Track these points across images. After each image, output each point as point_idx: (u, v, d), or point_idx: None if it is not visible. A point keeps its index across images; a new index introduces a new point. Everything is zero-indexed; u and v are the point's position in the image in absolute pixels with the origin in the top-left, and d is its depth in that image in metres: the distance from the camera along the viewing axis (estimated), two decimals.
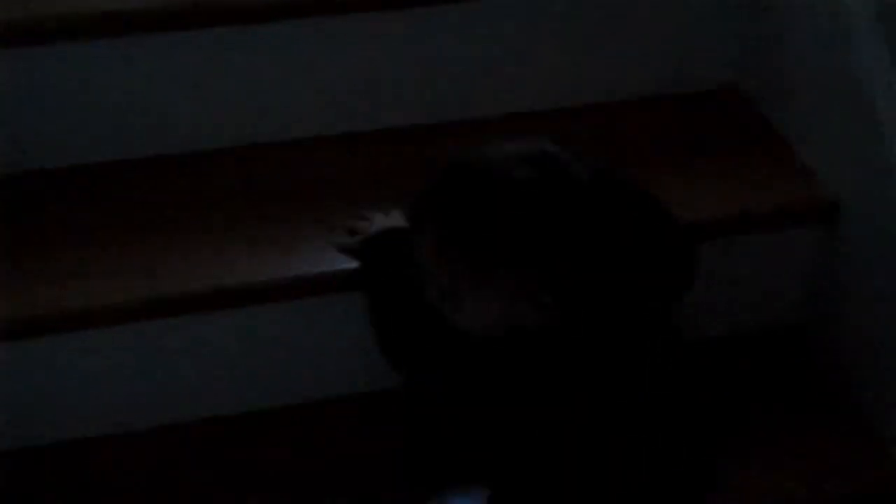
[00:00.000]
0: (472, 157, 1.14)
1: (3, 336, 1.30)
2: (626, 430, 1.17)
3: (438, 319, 1.17)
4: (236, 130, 1.54)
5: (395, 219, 1.37)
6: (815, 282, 1.57)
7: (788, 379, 1.56)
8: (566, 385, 1.13)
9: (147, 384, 1.44)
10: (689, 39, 1.62)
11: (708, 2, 1.60)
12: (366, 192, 1.47)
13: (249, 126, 1.54)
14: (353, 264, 1.35)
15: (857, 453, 1.46)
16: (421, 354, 1.23)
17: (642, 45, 1.61)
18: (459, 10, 1.50)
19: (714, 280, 1.49)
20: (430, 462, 1.42)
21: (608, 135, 1.57)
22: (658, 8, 1.59)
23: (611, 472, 1.18)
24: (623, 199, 1.19)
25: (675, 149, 1.57)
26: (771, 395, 1.54)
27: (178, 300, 1.34)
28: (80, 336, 1.35)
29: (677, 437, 1.23)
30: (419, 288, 1.18)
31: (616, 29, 1.59)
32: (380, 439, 1.45)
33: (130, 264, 1.36)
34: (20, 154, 1.47)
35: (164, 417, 1.47)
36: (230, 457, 1.45)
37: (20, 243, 1.38)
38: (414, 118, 1.58)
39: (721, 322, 1.58)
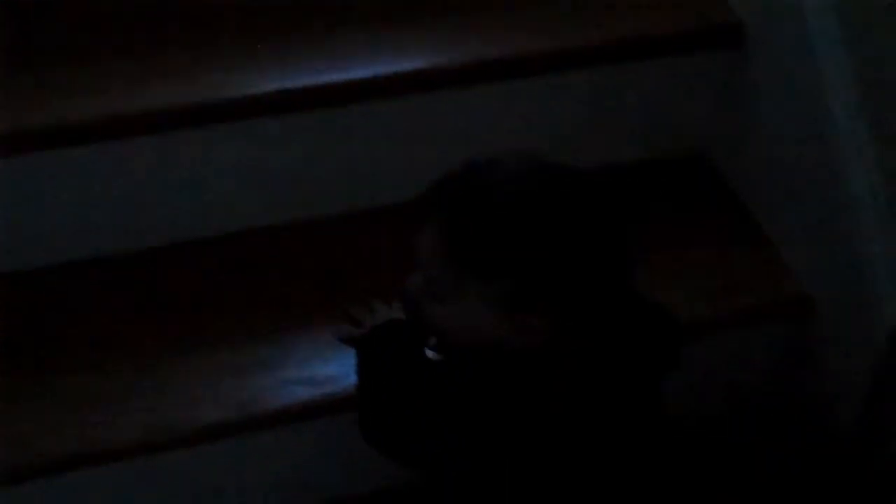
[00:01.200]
0: (486, 161, 1.12)
1: None
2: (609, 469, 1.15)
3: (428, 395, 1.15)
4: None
5: (399, 309, 1.35)
6: (722, 107, 1.62)
7: (694, 201, 1.61)
8: (548, 413, 1.10)
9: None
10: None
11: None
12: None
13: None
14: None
15: (758, 271, 1.51)
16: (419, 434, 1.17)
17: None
18: None
19: (625, 106, 1.57)
20: None
21: None
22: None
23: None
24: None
25: None
26: (676, 216, 1.59)
27: None
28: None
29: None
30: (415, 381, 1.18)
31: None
32: None
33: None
34: None
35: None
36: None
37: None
38: None
39: (632, 146, 1.65)
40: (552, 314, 1.08)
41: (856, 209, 1.35)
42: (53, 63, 1.45)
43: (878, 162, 1.34)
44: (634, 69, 1.56)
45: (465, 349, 1.13)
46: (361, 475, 1.51)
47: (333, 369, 1.38)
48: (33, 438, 1.32)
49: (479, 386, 1.10)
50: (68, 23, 1.51)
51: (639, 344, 1.16)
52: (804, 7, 1.38)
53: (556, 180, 1.09)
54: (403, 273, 1.21)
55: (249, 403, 1.35)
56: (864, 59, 1.34)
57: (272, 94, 1.42)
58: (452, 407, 1.11)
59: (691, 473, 1.42)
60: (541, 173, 1.10)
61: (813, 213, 1.45)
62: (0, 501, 1.35)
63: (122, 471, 1.36)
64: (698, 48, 1.56)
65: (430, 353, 1.23)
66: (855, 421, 1.45)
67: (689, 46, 1.55)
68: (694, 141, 1.68)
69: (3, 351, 1.40)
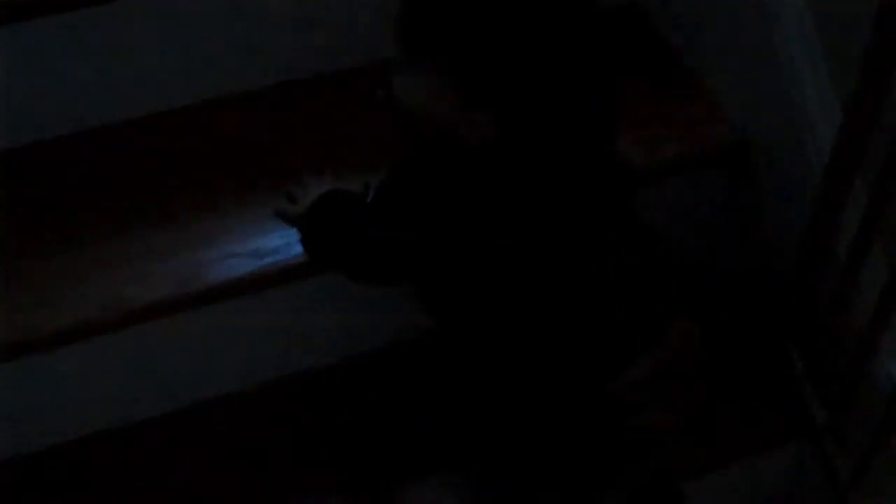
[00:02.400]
0: None
1: None
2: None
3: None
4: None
5: (329, 180, 1.37)
6: None
7: (630, 50, 1.59)
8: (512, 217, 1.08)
9: None
10: None
11: None
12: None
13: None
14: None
15: (691, 115, 1.52)
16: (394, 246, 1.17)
17: None
18: None
19: None
20: None
21: None
22: None
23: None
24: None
25: None
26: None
27: None
28: None
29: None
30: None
31: None
32: None
33: None
34: None
35: None
36: None
37: None
38: None
39: None
40: (501, 112, 1.03)
41: (787, 43, 1.36)
42: None
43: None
44: None
45: (418, 134, 1.10)
46: (315, 348, 1.53)
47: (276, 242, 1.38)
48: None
49: (430, 188, 1.10)
50: None
51: (591, 149, 1.11)
52: None
53: None
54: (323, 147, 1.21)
55: (192, 279, 1.35)
56: None
57: None
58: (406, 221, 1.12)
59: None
60: None
61: (745, 53, 1.45)
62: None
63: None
64: None
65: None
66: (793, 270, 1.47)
67: None
68: None
69: None
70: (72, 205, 1.43)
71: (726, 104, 1.52)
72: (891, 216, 1.29)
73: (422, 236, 1.12)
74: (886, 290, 1.31)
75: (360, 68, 1.52)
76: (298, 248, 1.35)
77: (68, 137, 1.49)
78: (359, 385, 1.54)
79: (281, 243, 1.37)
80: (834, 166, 1.32)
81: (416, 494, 1.46)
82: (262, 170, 1.46)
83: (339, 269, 1.30)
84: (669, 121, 1.52)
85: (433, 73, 1.04)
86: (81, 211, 1.43)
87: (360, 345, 1.55)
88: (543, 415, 1.22)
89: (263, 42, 1.51)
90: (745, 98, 1.49)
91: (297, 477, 1.47)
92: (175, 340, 1.44)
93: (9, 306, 1.33)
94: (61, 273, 1.36)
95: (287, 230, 1.37)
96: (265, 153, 1.49)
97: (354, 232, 1.24)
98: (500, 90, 1.02)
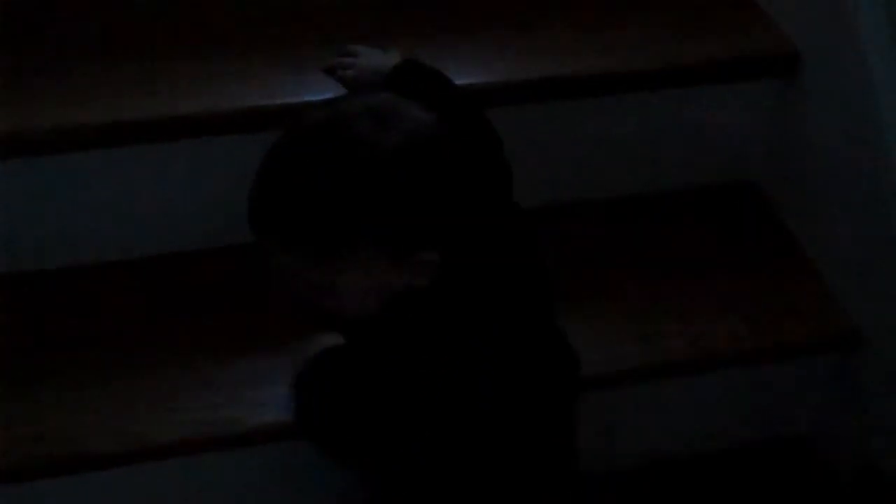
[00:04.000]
0: (306, 120, 1.07)
1: None
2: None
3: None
4: None
5: (380, 57, 1.39)
6: (773, 137, 1.61)
7: (743, 230, 1.60)
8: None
9: None
10: None
11: None
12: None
13: None
14: None
15: (804, 301, 1.50)
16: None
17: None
18: None
19: (673, 132, 1.56)
20: None
21: None
22: None
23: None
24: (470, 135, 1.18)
25: None
26: (727, 246, 1.58)
27: None
28: None
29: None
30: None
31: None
32: None
33: None
34: None
35: None
36: None
37: None
38: None
39: (680, 171, 1.64)
40: (443, 245, 1.06)
41: None
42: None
43: None
44: (686, 94, 1.55)
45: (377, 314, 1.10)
46: None
47: None
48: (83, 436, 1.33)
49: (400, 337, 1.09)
50: None
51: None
52: (860, 37, 1.37)
53: (382, 119, 1.04)
54: None
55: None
56: None
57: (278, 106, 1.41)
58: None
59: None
60: (368, 116, 1.04)
61: (863, 241, 1.44)
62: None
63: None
64: (753, 76, 1.55)
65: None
66: None
67: (745, 74, 1.54)
68: (742, 167, 1.67)
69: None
70: None
71: (839, 291, 1.50)
72: None
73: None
74: None
75: None
76: None
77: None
78: None
79: None
80: None
81: None
82: None
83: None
84: (779, 301, 1.50)
85: (379, 249, 1.04)
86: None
87: None
88: None
89: None
90: (861, 285, 1.46)
91: None
92: None
93: None
94: None
95: None
96: None
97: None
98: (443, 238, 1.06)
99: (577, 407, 1.26)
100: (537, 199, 1.42)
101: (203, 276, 1.51)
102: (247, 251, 1.21)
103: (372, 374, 1.11)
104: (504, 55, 1.50)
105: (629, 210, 1.63)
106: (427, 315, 1.09)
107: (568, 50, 1.51)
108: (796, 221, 1.59)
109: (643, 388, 1.48)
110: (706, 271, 1.53)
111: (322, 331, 1.27)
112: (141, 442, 1.32)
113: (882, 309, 1.43)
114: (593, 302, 1.48)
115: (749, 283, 1.52)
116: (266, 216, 1.05)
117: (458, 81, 1.35)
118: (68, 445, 1.32)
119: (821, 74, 1.48)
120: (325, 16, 1.54)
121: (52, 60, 1.45)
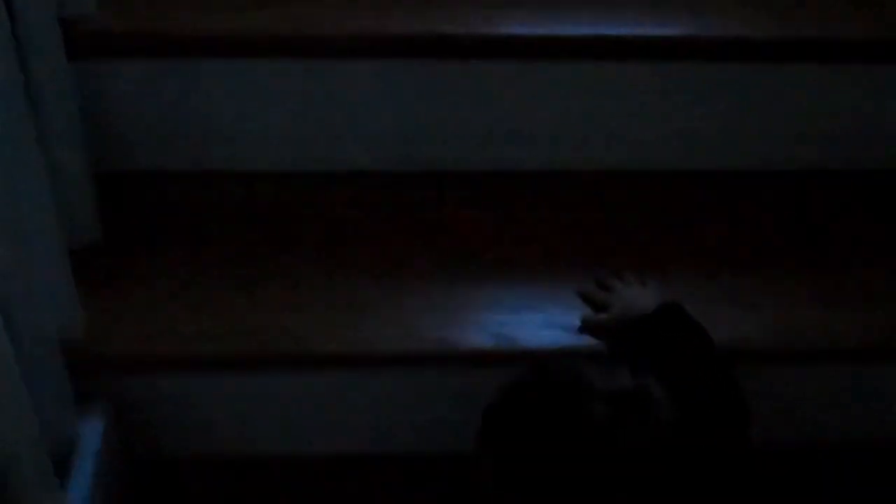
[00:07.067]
0: (553, 376, 1.10)
1: None
2: None
3: None
4: None
5: (639, 296, 1.35)
6: None
7: None
8: None
9: None
10: None
11: None
12: None
13: None
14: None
15: None
16: None
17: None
18: None
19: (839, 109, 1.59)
20: None
21: None
22: None
23: None
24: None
25: None
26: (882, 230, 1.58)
27: None
28: None
29: None
30: None
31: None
32: None
33: None
34: None
35: None
36: None
37: None
38: None
39: (842, 152, 1.64)
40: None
41: None
42: None
43: None
44: (851, 70, 1.55)
45: None
46: None
47: None
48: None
49: None
50: None
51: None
52: None
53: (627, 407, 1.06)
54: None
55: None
56: None
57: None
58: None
59: None
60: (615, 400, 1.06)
61: None
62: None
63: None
64: None
65: None
66: None
67: None
68: None
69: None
70: None
71: None
72: None
73: None
74: None
75: None
76: None
77: None
78: None
79: None
80: None
81: None
82: None
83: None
84: None
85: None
86: None
87: None
88: None
89: None
90: None
91: None
92: None
93: None
94: None
95: None
96: None
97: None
98: None
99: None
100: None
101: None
102: None
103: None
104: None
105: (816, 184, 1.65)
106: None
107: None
108: None
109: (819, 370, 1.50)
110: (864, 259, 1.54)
111: None
112: (370, 348, 1.38)
113: None
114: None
115: None
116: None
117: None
118: (293, 343, 1.37)
119: None
120: None
121: None
